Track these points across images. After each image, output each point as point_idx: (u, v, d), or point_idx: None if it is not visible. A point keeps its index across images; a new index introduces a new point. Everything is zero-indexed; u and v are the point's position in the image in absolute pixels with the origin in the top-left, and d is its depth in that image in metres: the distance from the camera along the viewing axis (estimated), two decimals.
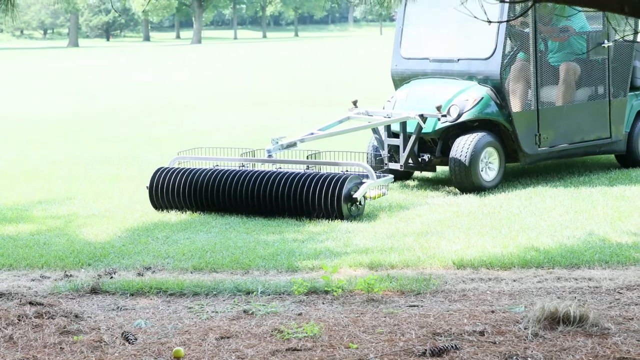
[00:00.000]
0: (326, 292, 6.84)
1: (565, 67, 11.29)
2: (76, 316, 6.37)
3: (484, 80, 10.88)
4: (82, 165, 13.58)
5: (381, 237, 8.65)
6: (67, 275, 7.62)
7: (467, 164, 10.47)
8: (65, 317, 6.32)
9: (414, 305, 6.52)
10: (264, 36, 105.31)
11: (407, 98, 11.24)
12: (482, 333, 5.76)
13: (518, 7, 10.54)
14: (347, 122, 11.60)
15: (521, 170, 11.73)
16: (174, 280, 7.27)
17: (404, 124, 10.86)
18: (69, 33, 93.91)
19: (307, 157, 10.27)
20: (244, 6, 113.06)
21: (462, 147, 10.56)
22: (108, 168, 13.18)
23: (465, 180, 10.58)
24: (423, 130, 10.73)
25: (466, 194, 10.55)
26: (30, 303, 6.65)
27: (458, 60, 11.20)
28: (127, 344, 5.78)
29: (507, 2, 6.58)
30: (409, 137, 10.80)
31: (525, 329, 5.80)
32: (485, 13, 10.02)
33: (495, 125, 10.89)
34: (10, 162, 14.15)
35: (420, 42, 11.87)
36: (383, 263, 7.69)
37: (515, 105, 10.91)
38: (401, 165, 10.89)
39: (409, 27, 11.86)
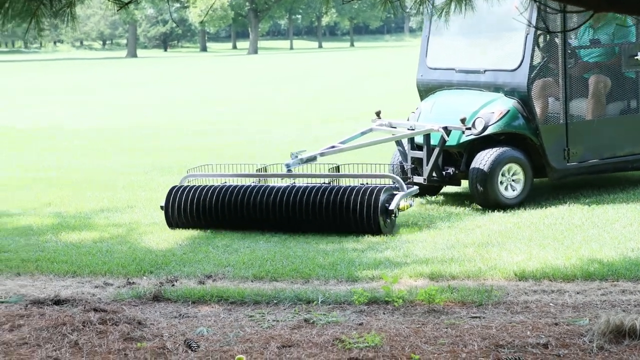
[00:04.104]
0: (387, 302, 6.83)
1: (595, 80, 10.87)
2: (139, 323, 6.43)
3: (510, 93, 10.53)
4: (142, 175, 13.73)
5: (441, 248, 8.62)
6: (129, 283, 7.70)
7: (485, 179, 10.15)
8: (129, 323, 6.38)
9: (476, 317, 6.48)
10: (320, 46, 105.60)
11: (431, 110, 10.98)
12: (545, 346, 5.70)
13: (550, 17, 10.35)
14: (370, 135, 11.23)
15: (583, 181, 11.58)
16: (235, 289, 7.31)
17: (427, 137, 10.52)
18: (127, 44, 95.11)
19: (328, 170, 10.01)
20: (299, 16, 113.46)
21: (481, 161, 10.23)
22: (168, 177, 13.29)
23: (483, 196, 10.25)
24: (447, 143, 10.43)
25: (527, 208, 10.39)
26: (95, 309, 6.73)
27: (484, 71, 10.85)
28: (189, 351, 5.82)
29: (568, 12, 6.54)
30: (433, 150, 10.49)
31: (590, 342, 5.73)
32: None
33: (523, 139, 10.54)
34: (73, 172, 14.35)
35: (446, 52, 11.61)
36: (444, 274, 7.66)
37: (542, 119, 10.55)
38: (424, 179, 10.53)
39: (435, 37, 11.59)
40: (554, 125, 10.63)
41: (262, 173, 10.20)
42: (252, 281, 7.70)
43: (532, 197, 10.83)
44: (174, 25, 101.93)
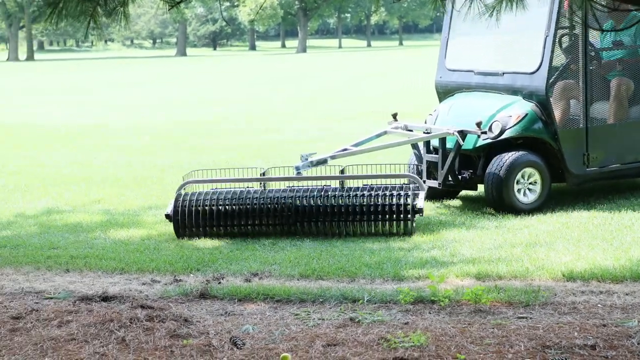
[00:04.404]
0: (433, 302, 6.80)
1: (617, 83, 10.48)
2: (186, 320, 6.47)
3: (529, 96, 10.23)
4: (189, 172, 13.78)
5: (488, 248, 8.56)
6: (176, 280, 7.76)
7: (500, 183, 9.91)
8: (175, 320, 6.43)
9: (523, 317, 6.42)
10: (369, 45, 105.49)
11: (449, 112, 10.65)
12: (593, 347, 5.64)
13: (566, 18, 10.06)
14: (385, 137, 10.98)
15: (633, 181, 11.43)
16: (280, 287, 7.33)
17: (443, 140, 10.28)
18: (177, 42, 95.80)
19: (340, 171, 9.70)
20: (348, 15, 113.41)
21: (497, 165, 9.97)
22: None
23: (498, 201, 10.01)
24: (464, 147, 10.19)
25: (575, 207, 10.28)
26: (142, 306, 6.79)
27: (503, 73, 10.55)
28: (235, 348, 5.84)
29: (621, 10, 6.45)
30: (448, 154, 10.23)
31: (638, 344, 5.66)
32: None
33: (541, 143, 10.25)
34: (121, 169, 14.48)
35: (465, 53, 11.35)
36: (491, 274, 7.61)
37: (561, 123, 10.23)
38: (439, 183, 10.29)
39: (454, 38, 11.32)
40: (573, 130, 10.30)
41: (263, 177, 9.69)
42: (298, 279, 7.72)
43: (581, 197, 10.72)
44: (224, 24, 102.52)
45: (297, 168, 9.73)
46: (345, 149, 10.30)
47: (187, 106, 27.18)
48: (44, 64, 68.11)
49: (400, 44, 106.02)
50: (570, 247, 8.45)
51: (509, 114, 10.18)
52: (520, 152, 10.08)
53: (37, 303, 7.08)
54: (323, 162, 9.91)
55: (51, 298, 7.24)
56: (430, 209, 10.50)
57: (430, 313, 6.60)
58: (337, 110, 24.38)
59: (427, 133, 10.46)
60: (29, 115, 25.02)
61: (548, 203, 10.43)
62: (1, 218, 10.63)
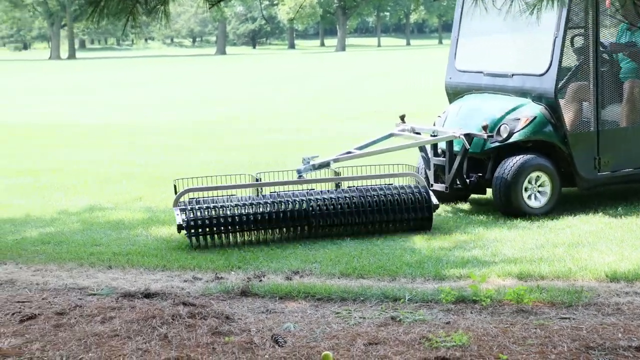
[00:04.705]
0: (474, 302, 6.77)
1: (630, 85, 10.27)
2: (227, 317, 6.50)
3: (538, 98, 10.04)
4: (229, 170, 13.83)
5: (530, 247, 8.50)
6: (218, 277, 7.79)
7: (508, 187, 9.75)
8: (217, 318, 6.45)
9: (566, 318, 6.37)
10: (408, 44, 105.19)
11: (457, 114, 10.47)
12: (638, 349, 5.58)
13: (576, 19, 9.92)
14: (391, 140, 10.81)
15: None
16: (321, 285, 7.34)
17: (450, 143, 10.14)
18: (217, 41, 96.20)
19: (335, 174, 9.60)
20: (387, 14, 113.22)
21: (505, 169, 9.82)
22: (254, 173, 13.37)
23: (506, 205, 9.84)
24: (472, 150, 10.02)
25: (618, 208, 10.19)
26: (184, 303, 6.83)
27: (512, 75, 10.37)
28: (276, 346, 5.85)
29: None
30: (455, 157, 10.09)
31: None
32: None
33: (551, 147, 10.07)
34: (160, 167, 14.57)
35: (475, 54, 11.14)
36: (533, 274, 7.56)
37: (571, 126, 10.02)
38: (446, 187, 10.16)
39: (464, 38, 11.14)
40: (584, 133, 10.10)
41: (256, 182, 9.45)
42: (338, 278, 7.71)
43: (625, 197, 10.61)
44: (263, 22, 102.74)
45: (299, 171, 9.59)
46: (349, 152, 10.12)
47: (225, 104, 27.28)
48: (85, 62, 68.70)
49: (440, 42, 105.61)
50: (614, 247, 8.37)
51: (517, 116, 10.01)
52: (529, 156, 9.91)
53: (80, 299, 7.14)
54: (326, 165, 9.74)
55: (94, 294, 7.31)
56: (470, 208, 10.46)
57: (472, 313, 6.57)
58: (389, 106, 24.35)
59: (434, 136, 10.31)
60: (69, 114, 25.26)
61: (589, 202, 10.35)
62: (44, 215, 10.74)
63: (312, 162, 9.67)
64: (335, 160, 9.88)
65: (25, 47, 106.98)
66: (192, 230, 8.81)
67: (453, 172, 10.12)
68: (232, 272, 7.97)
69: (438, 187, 10.27)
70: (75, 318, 6.52)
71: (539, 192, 9.95)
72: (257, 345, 5.87)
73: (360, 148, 10.33)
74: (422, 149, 10.55)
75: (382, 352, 5.67)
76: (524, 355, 5.53)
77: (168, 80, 41.28)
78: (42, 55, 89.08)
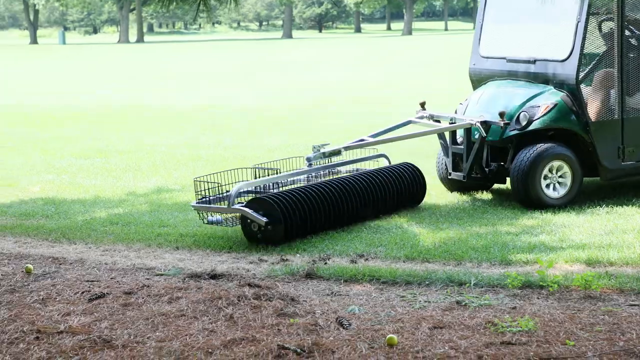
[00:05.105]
0: (541, 287, 6.70)
1: None
2: (292, 299, 6.53)
3: (559, 85, 9.70)
4: (297, 154, 13.87)
5: (599, 233, 8.39)
6: (283, 260, 7.83)
7: (526, 177, 9.42)
8: (282, 299, 6.49)
9: (635, 305, 6.28)
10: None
11: (478, 101, 10.18)
12: None
13: (600, 3, 9.56)
14: (408, 127, 10.58)
15: None
16: (386, 269, 7.33)
17: (468, 131, 9.89)
18: (283, 25, 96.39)
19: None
20: None
21: (523, 158, 9.49)
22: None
23: (523, 195, 9.52)
24: (490, 138, 9.76)
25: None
26: (249, 285, 6.88)
27: (535, 61, 10.02)
28: (341, 328, 5.87)
29: None
30: (473, 145, 9.87)
31: None
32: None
33: (573, 135, 9.74)
34: (228, 150, 14.67)
35: (499, 39, 10.77)
36: (601, 260, 7.46)
37: (594, 114, 9.68)
38: (464, 176, 9.95)
39: (488, 23, 10.84)
40: (607, 121, 9.74)
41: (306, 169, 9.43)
42: (403, 261, 7.70)
43: None
44: (329, 6, 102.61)
45: (309, 159, 9.41)
46: (362, 140, 9.87)
47: (291, 90, 27.33)
48: (153, 46, 69.37)
49: None
50: None
51: (538, 103, 9.69)
52: (549, 144, 9.57)
53: (148, 279, 7.24)
54: (337, 153, 9.54)
55: (161, 275, 7.40)
56: None
57: (538, 298, 6.51)
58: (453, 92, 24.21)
59: (452, 123, 10.11)
60: (138, 97, 25.55)
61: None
62: (113, 196, 10.90)
63: (322, 150, 9.45)
64: (347, 148, 9.63)
65: (95, 31, 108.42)
66: (289, 226, 8.34)
67: (470, 161, 9.88)
68: (297, 255, 8.00)
69: (455, 175, 10.08)
70: (142, 298, 6.61)
71: (559, 182, 9.62)
72: (322, 327, 5.89)
73: (375, 135, 10.11)
74: (441, 136, 10.30)
75: (447, 336, 5.65)
76: (591, 342, 5.46)
77: (237, 65, 41.49)
78: (111, 39, 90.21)
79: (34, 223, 9.45)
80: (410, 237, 8.41)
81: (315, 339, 5.61)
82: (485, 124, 9.76)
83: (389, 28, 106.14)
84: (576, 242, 8.09)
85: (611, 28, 9.71)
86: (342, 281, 7.12)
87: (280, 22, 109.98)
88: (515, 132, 9.70)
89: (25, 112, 21.53)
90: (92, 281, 7.16)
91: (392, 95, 24.02)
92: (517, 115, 9.72)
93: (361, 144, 9.79)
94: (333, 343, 5.55)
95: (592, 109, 9.75)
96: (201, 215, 8.63)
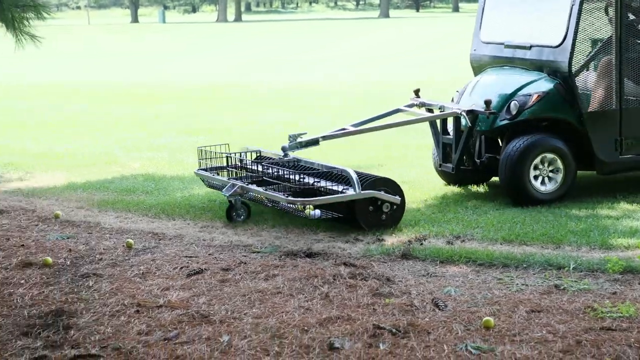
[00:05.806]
0: None
1: None
2: (388, 279, 6.53)
3: (553, 72, 9.12)
4: (394, 134, 13.83)
5: None
6: (379, 240, 7.83)
7: (513, 169, 8.88)
8: (377, 279, 6.50)
9: None
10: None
11: (473, 89, 9.64)
12: None
13: None
14: (396, 116, 10.16)
15: None
16: (483, 250, 7.27)
17: (457, 120, 9.36)
18: (380, 4, 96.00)
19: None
20: None
21: (511, 149, 8.94)
22: (410, 139, 13.32)
23: (511, 189, 9.00)
24: (481, 128, 9.20)
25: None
26: (345, 264, 6.91)
27: (530, 47, 9.43)
28: (437, 310, 5.85)
29: None
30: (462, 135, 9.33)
31: None
32: None
33: (567, 126, 9.15)
34: (327, 128, 14.67)
35: (500, 24, 10.19)
36: None
37: (588, 103, 9.08)
38: (452, 168, 9.43)
39: (490, 8, 10.26)
40: (604, 111, 9.11)
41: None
42: (500, 244, 7.62)
43: None
44: None
45: (284, 149, 9.03)
46: (344, 129, 9.47)
47: (383, 66, 27.26)
48: (251, 25, 69.89)
49: None
50: None
51: (529, 92, 9.12)
52: (539, 135, 9.03)
53: (245, 256, 7.32)
54: (314, 142, 9.14)
55: (258, 252, 7.48)
56: (634, 176, 10.10)
57: (639, 284, 6.37)
58: None
59: (441, 111, 9.63)
60: (238, 75, 25.80)
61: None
62: None
63: (299, 139, 9.08)
64: (325, 138, 9.26)
65: (194, 9, 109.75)
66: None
67: (459, 152, 9.38)
68: (393, 235, 7.98)
69: (445, 167, 9.62)
70: (240, 274, 6.70)
71: (549, 176, 9.06)
72: (418, 307, 5.88)
73: (357, 125, 9.68)
74: (433, 125, 9.84)
75: (544, 320, 5.59)
76: None
77: (336, 42, 41.54)
78: (209, 17, 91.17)
79: (134, 199, 9.65)
80: (508, 220, 8.32)
81: (410, 320, 5.61)
82: (472, 113, 9.26)
83: None
84: None
85: (609, 12, 9.14)
86: (438, 262, 7.09)
87: (377, 1, 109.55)
88: (506, 122, 9.16)
89: (128, 90, 21.97)
90: (191, 257, 7.28)
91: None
92: (508, 104, 9.20)
93: (341, 134, 9.40)
94: (429, 324, 5.54)
95: (586, 98, 9.19)
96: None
